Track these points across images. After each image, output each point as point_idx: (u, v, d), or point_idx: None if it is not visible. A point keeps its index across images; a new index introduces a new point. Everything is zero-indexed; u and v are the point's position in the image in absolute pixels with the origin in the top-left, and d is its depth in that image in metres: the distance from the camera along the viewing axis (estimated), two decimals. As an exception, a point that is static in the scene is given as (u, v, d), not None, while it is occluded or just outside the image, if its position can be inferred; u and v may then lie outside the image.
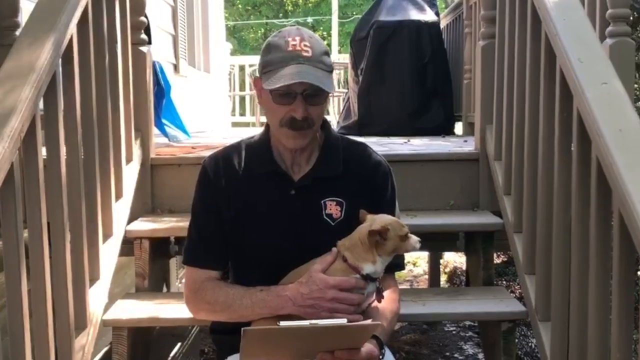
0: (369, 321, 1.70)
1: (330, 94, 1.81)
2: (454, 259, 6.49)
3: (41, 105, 1.86)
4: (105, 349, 2.95)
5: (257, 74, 1.84)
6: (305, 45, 1.75)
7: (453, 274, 6.23)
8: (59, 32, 1.94)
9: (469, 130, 4.61)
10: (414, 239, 1.78)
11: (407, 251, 1.82)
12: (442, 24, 5.69)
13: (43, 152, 1.89)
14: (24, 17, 2.40)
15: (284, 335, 1.62)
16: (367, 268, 1.75)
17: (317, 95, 1.75)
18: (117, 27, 2.54)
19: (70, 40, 2.04)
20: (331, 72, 1.80)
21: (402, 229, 1.77)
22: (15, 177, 1.66)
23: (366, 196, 1.86)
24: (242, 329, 1.57)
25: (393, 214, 1.87)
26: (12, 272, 1.67)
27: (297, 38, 1.76)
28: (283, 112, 1.76)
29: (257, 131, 1.98)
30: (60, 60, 1.97)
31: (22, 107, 1.69)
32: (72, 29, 2.05)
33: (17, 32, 2.36)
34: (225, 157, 1.91)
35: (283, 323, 1.62)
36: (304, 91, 1.73)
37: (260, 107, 1.91)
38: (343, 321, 1.63)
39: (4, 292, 1.67)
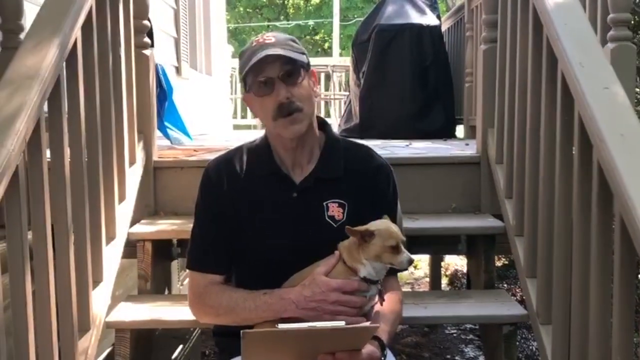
0: (367, 323, 1.71)
1: (306, 69, 1.83)
2: (455, 262, 6.50)
3: (45, 108, 1.87)
4: (108, 350, 2.95)
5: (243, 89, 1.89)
6: (267, 37, 1.83)
7: (454, 277, 6.23)
8: (63, 36, 1.95)
9: (470, 133, 4.62)
10: (404, 257, 1.73)
11: (393, 265, 1.75)
12: (444, 28, 5.70)
13: (47, 154, 1.90)
14: (27, 20, 2.41)
15: (283, 338, 1.63)
16: (362, 270, 1.75)
17: (293, 74, 1.79)
18: (121, 30, 2.55)
19: (75, 44, 2.05)
20: (303, 53, 1.84)
21: (389, 239, 1.72)
22: (20, 179, 1.67)
23: (367, 198, 1.87)
24: (242, 331, 1.58)
25: (394, 216, 1.88)
26: (17, 274, 1.67)
27: (260, 35, 1.85)
28: (269, 103, 1.80)
29: (258, 134, 2.00)
30: (64, 63, 1.98)
31: (27, 110, 1.70)
32: (76, 33, 2.06)
33: (21, 35, 2.37)
34: (227, 161, 1.93)
35: (282, 325, 1.64)
36: (280, 73, 1.78)
37: (255, 117, 1.97)
38: (341, 323, 1.65)
39: (8, 293, 1.68)
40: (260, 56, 1.76)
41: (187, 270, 1.96)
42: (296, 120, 1.80)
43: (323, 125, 1.94)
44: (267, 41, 1.81)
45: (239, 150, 1.95)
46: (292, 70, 1.79)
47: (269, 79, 1.78)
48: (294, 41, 1.86)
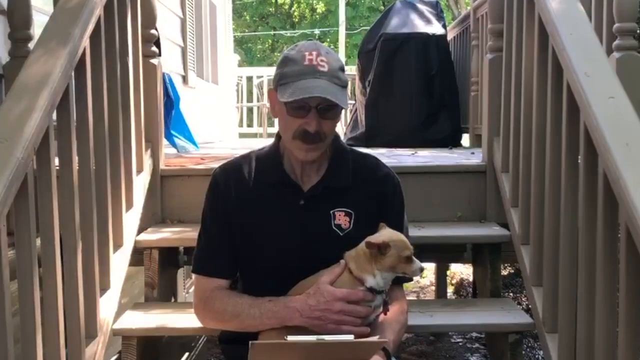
0: (375, 338, 1.72)
1: (343, 109, 1.83)
2: (460, 271, 6.49)
3: (54, 116, 1.89)
4: (114, 357, 2.96)
5: (272, 86, 1.86)
6: (321, 60, 1.77)
7: (460, 286, 6.22)
8: (72, 45, 1.96)
9: (476, 142, 4.63)
10: (416, 265, 1.77)
11: (406, 274, 1.79)
12: (449, 37, 5.71)
13: (56, 162, 1.91)
14: (36, 30, 2.43)
15: (291, 350, 1.65)
16: (370, 280, 1.76)
17: (331, 110, 1.78)
18: (129, 39, 2.57)
19: (83, 53, 2.07)
20: (346, 87, 1.82)
21: (405, 250, 1.76)
22: (29, 187, 1.68)
23: (375, 208, 1.88)
24: (250, 342, 1.60)
25: (401, 226, 1.89)
26: (25, 281, 1.69)
27: (314, 53, 1.78)
28: (296, 124, 1.79)
29: (264, 142, 2.01)
30: (73, 72, 2.00)
31: (36, 118, 1.72)
32: (85, 42, 2.07)
33: (30, 45, 2.40)
34: (235, 167, 1.94)
35: (290, 338, 1.65)
36: (319, 105, 1.76)
37: (273, 118, 1.93)
38: (350, 337, 1.66)
39: (16, 300, 1.69)
40: (306, 94, 1.73)
41: (193, 275, 1.97)
42: (315, 149, 1.81)
43: None
44: (320, 67, 1.76)
45: (247, 157, 1.96)
46: (331, 107, 1.78)
47: (306, 105, 1.76)
48: (342, 70, 1.82)
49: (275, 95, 1.82)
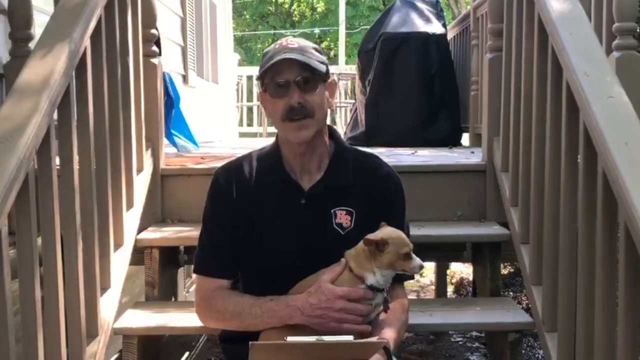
0: (375, 338, 1.73)
1: (325, 80, 1.86)
2: (460, 270, 6.50)
3: (55, 116, 1.89)
4: (115, 356, 2.97)
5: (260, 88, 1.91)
6: (291, 42, 1.86)
7: (460, 285, 6.23)
8: (73, 45, 1.97)
9: (476, 141, 4.63)
10: (416, 262, 1.77)
11: (405, 272, 1.80)
12: (449, 36, 5.72)
13: (57, 162, 1.92)
14: (37, 29, 2.43)
15: (291, 350, 1.66)
16: (370, 278, 1.76)
17: (310, 82, 1.81)
18: (129, 39, 2.57)
19: (84, 53, 2.07)
20: (322, 63, 1.86)
21: (403, 247, 1.76)
22: (30, 186, 1.69)
23: (376, 206, 1.88)
24: (250, 343, 1.61)
25: (402, 225, 1.89)
26: (26, 280, 1.69)
27: (285, 39, 1.88)
28: (281, 105, 1.82)
29: (264, 142, 2.02)
30: (73, 72, 2.00)
31: (37, 118, 1.72)
32: (86, 42, 2.08)
33: (31, 44, 2.40)
34: (236, 167, 1.95)
35: (290, 338, 1.66)
36: (296, 78, 1.79)
37: (268, 118, 1.98)
38: (349, 338, 1.67)
39: (17, 299, 1.70)
40: (278, 58, 1.79)
41: (194, 275, 1.98)
42: (304, 126, 1.82)
43: (332, 134, 1.96)
44: (290, 45, 1.84)
45: (248, 157, 1.97)
46: (309, 77, 1.81)
47: (285, 82, 1.81)
48: (317, 50, 1.88)
49: (264, 96, 1.88)
